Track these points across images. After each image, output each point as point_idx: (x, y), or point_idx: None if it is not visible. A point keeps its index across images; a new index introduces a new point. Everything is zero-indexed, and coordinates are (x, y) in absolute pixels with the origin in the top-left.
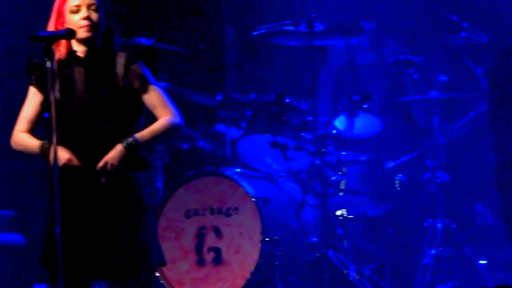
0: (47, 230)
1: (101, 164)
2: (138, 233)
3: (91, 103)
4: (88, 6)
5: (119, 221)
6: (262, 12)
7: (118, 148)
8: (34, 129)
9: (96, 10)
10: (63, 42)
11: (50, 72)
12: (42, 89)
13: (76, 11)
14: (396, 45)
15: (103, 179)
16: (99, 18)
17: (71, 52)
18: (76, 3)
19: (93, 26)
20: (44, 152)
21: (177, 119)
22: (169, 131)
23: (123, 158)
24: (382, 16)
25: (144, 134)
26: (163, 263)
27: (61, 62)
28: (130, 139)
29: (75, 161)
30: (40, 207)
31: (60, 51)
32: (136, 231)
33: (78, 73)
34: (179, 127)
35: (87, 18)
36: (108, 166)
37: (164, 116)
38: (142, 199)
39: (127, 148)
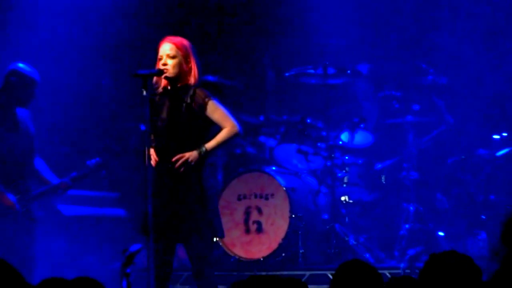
0: (143, 208)
1: (179, 156)
2: (206, 211)
3: (167, 123)
4: (167, 56)
5: (192, 202)
6: (292, 58)
7: (195, 153)
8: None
9: (172, 58)
10: (161, 79)
11: (145, 99)
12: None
13: (160, 58)
14: (384, 83)
15: (176, 166)
16: (175, 64)
17: (165, 87)
18: (160, 53)
19: (169, 69)
20: None
21: (236, 129)
22: (230, 139)
23: (196, 161)
24: (375, 62)
25: (211, 144)
26: (222, 235)
27: (159, 93)
28: (203, 148)
29: (155, 159)
30: (138, 191)
31: (160, 85)
32: (204, 209)
33: (165, 101)
34: (238, 134)
35: (165, 64)
36: (184, 159)
37: (226, 127)
38: (205, 187)
39: (200, 153)
